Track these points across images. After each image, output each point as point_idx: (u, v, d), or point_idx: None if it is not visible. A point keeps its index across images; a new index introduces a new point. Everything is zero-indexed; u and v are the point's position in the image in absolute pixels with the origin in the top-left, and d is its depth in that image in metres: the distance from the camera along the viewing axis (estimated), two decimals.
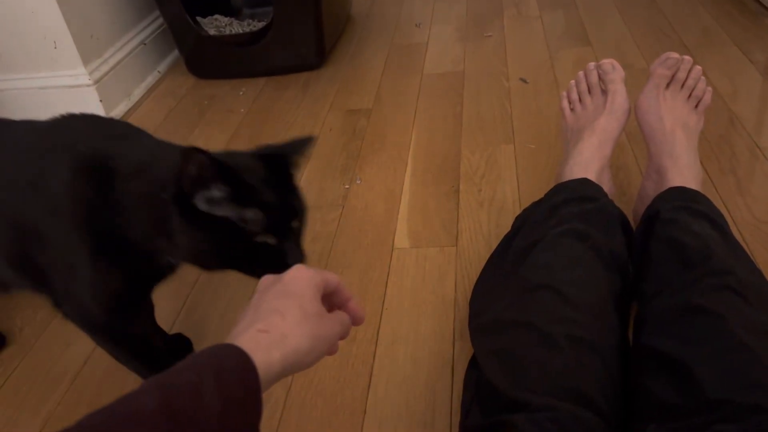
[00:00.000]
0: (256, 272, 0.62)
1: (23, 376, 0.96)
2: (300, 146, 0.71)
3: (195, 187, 0.60)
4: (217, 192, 0.61)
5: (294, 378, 0.87)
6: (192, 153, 0.58)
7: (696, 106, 1.00)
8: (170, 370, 0.41)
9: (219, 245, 0.64)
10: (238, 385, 0.41)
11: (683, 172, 0.92)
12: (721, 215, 0.85)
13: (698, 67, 1.00)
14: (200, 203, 0.61)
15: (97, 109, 1.61)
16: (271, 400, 0.85)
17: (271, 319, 0.46)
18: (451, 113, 1.47)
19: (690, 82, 1.00)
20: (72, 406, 0.89)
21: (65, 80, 1.60)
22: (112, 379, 0.92)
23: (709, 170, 1.13)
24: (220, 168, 0.59)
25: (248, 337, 0.44)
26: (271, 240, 0.64)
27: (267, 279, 0.52)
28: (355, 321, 0.55)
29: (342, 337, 0.52)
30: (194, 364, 0.42)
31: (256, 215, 0.62)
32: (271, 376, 0.44)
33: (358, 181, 1.28)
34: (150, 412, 0.37)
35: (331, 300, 0.54)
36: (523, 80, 1.56)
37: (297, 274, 0.50)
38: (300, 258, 0.66)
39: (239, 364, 0.42)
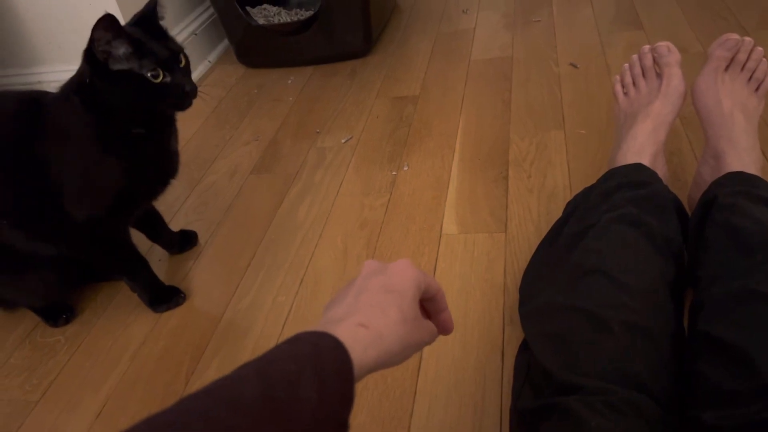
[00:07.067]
0: (170, 107, 0.89)
1: (85, 354, 1.00)
2: (152, 3, 0.88)
3: (106, 49, 0.80)
4: (121, 48, 0.80)
5: None
6: (98, 21, 0.77)
7: (756, 89, 0.97)
8: (269, 357, 0.41)
9: (135, 94, 0.84)
10: (335, 379, 0.40)
11: (742, 156, 0.89)
12: None
13: (759, 49, 0.97)
14: (112, 64, 0.81)
15: None
16: None
17: (372, 314, 0.45)
18: (500, 99, 1.46)
19: (751, 64, 0.96)
20: (131, 384, 0.93)
21: None
22: (168, 357, 0.96)
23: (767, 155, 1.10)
24: (119, 28, 0.79)
25: (347, 329, 0.43)
26: (167, 78, 0.84)
27: (371, 264, 0.51)
28: (443, 332, 0.54)
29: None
30: (293, 352, 0.41)
31: (150, 61, 0.82)
32: (362, 374, 0.43)
33: (406, 168, 1.28)
34: (250, 400, 0.37)
35: (424, 306, 0.53)
36: (573, 65, 1.53)
37: (402, 269, 0.49)
38: (192, 86, 0.87)
39: (337, 357, 0.41)
